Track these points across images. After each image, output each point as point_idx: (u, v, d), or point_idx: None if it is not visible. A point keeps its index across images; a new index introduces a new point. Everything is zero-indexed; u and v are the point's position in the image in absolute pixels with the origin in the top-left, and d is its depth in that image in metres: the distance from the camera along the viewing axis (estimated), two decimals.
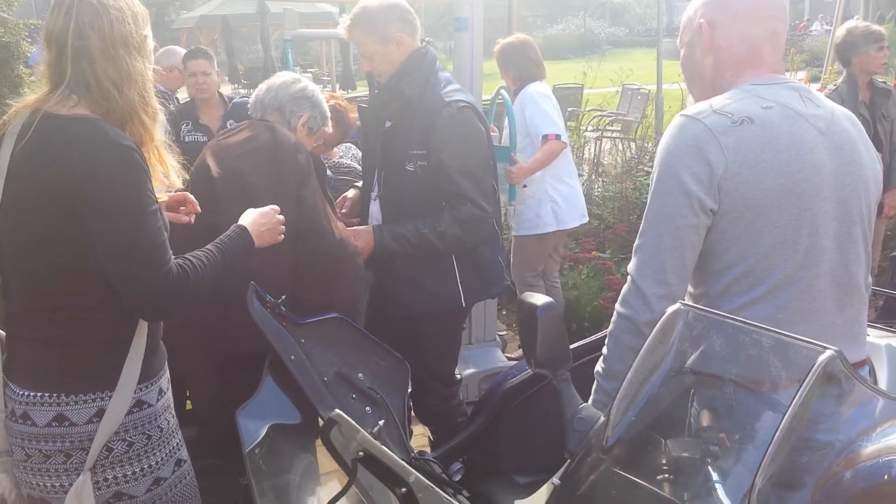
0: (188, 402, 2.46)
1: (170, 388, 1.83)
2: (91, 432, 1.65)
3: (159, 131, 1.74)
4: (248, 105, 2.60)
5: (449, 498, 1.51)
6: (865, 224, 1.64)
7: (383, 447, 1.49)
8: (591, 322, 4.46)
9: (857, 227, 1.62)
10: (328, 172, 3.17)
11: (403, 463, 1.48)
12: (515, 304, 1.83)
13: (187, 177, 1.96)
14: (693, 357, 1.39)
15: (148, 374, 1.72)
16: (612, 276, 4.79)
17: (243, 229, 1.89)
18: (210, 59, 4.30)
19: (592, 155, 7.83)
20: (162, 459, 1.75)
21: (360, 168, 3.38)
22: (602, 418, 1.43)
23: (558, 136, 3.95)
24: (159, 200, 1.70)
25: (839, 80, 4.39)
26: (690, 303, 1.55)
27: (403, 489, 1.46)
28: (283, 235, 2.02)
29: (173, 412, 1.83)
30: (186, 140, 4.11)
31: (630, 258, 1.65)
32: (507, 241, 4.19)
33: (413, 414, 2.76)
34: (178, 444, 1.82)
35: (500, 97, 4.21)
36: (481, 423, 2.30)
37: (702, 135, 1.54)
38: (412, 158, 2.60)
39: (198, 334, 2.12)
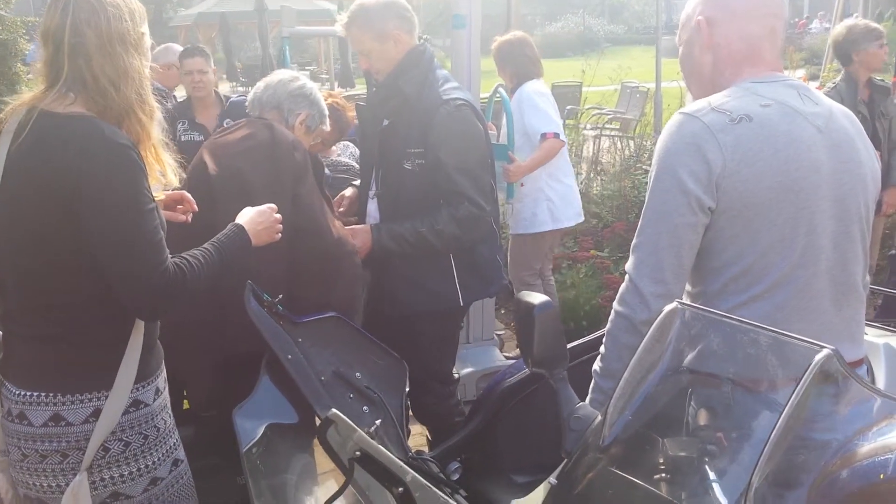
0: (185, 401, 2.46)
1: (167, 388, 1.83)
2: (87, 432, 1.65)
3: (156, 129, 1.73)
4: (246, 103, 2.60)
5: (446, 497, 1.50)
6: (863, 223, 1.64)
7: (380, 447, 1.48)
8: (589, 321, 4.46)
9: (855, 225, 1.62)
10: (326, 171, 3.16)
11: (400, 462, 1.48)
12: (513, 302, 1.83)
13: (184, 175, 1.96)
14: (690, 356, 1.39)
15: (145, 374, 1.72)
16: (611, 275, 4.78)
17: (240, 228, 1.88)
18: (206, 58, 4.29)
19: (591, 153, 7.82)
20: (159, 459, 1.75)
21: (358, 166, 3.37)
22: (599, 417, 1.42)
23: (557, 135, 3.95)
24: (156, 199, 1.69)
25: (838, 78, 4.39)
26: (688, 301, 1.55)
27: (400, 489, 1.46)
28: (280, 234, 2.01)
29: (170, 412, 1.83)
30: (182, 139, 4.10)
31: (628, 257, 1.65)
32: (504, 240, 4.19)
33: (411, 413, 2.76)
34: (174, 444, 1.81)
35: (497, 95, 4.20)
36: (479, 422, 2.30)
37: (700, 133, 1.54)
38: (410, 157, 2.60)
39: (195, 333, 2.12)
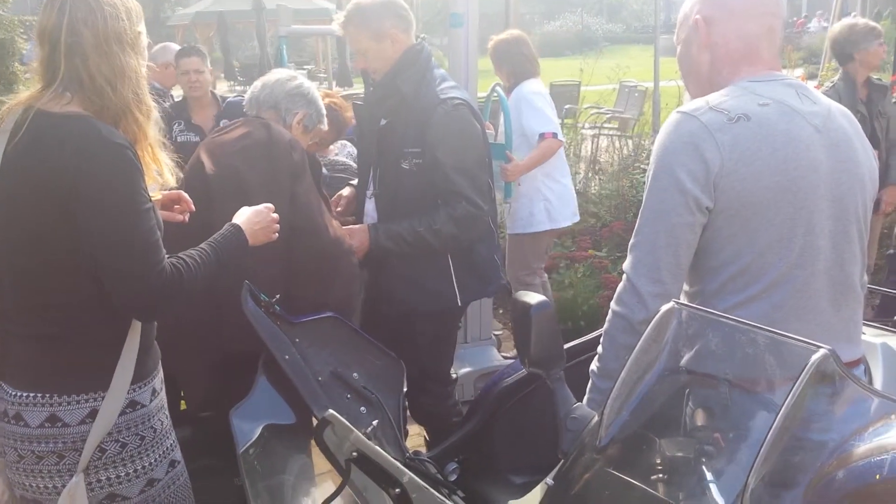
0: (182, 402, 2.45)
1: (163, 389, 1.83)
2: (84, 433, 1.64)
3: (153, 129, 1.73)
4: (244, 103, 2.60)
5: (443, 498, 1.50)
6: (861, 222, 1.64)
7: (377, 447, 1.48)
8: (587, 321, 4.45)
9: (853, 225, 1.62)
10: (324, 170, 3.16)
11: (397, 463, 1.48)
12: (510, 302, 1.82)
13: (181, 175, 1.96)
14: (687, 356, 1.38)
15: (141, 375, 1.72)
16: (609, 275, 4.78)
17: (237, 228, 1.88)
18: (203, 57, 4.28)
19: (589, 152, 7.82)
20: (155, 460, 1.75)
21: (355, 166, 3.37)
22: (596, 418, 1.42)
23: (555, 135, 3.95)
24: (153, 199, 1.69)
25: (836, 78, 4.40)
26: (685, 301, 1.54)
27: (397, 490, 1.45)
28: (277, 234, 2.01)
29: (167, 413, 1.83)
30: (178, 140, 4.09)
31: (626, 256, 1.65)
32: (502, 240, 4.19)
33: (409, 413, 2.75)
34: (171, 445, 1.81)
35: (495, 94, 4.20)
36: (477, 422, 2.29)
37: (698, 132, 1.53)
38: (407, 156, 2.59)
39: (191, 334, 2.12)
